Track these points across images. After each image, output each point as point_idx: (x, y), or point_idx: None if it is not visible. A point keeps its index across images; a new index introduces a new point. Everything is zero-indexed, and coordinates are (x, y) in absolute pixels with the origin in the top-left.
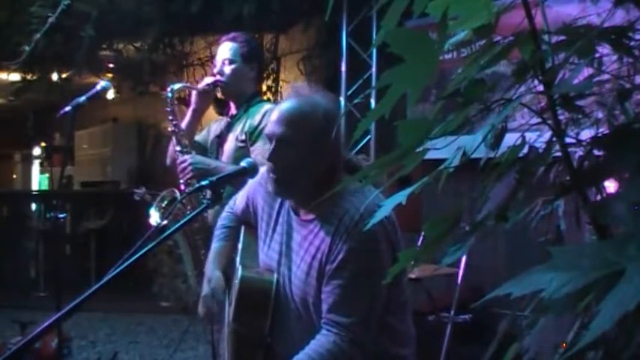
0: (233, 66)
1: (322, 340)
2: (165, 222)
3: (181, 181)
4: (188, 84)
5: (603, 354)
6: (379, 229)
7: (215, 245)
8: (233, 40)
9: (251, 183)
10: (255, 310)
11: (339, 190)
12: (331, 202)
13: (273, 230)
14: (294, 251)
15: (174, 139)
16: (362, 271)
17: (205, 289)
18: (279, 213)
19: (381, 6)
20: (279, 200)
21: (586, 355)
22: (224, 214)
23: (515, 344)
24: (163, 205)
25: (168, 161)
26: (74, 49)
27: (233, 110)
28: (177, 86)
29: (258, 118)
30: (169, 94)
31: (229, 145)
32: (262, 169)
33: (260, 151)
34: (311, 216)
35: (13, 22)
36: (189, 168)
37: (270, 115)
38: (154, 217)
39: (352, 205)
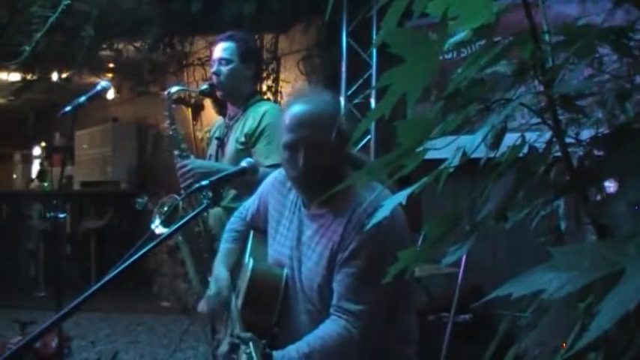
0: (230, 66)
1: (332, 325)
2: (166, 230)
3: (182, 185)
4: (185, 87)
5: (604, 355)
6: (392, 222)
7: (223, 246)
8: (230, 39)
9: (262, 187)
10: (264, 300)
11: (349, 184)
12: (343, 196)
13: (284, 227)
14: (305, 244)
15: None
16: (373, 261)
17: (212, 288)
18: (290, 210)
19: (381, 6)
20: (290, 198)
21: (587, 356)
22: (233, 218)
23: (516, 345)
24: (163, 211)
25: None
26: (74, 49)
27: (231, 111)
28: (174, 89)
29: (257, 119)
30: (166, 99)
31: (230, 147)
32: (265, 170)
33: (263, 152)
34: (322, 210)
35: (13, 22)
36: (191, 173)
37: (270, 115)
38: (157, 225)
39: (364, 198)
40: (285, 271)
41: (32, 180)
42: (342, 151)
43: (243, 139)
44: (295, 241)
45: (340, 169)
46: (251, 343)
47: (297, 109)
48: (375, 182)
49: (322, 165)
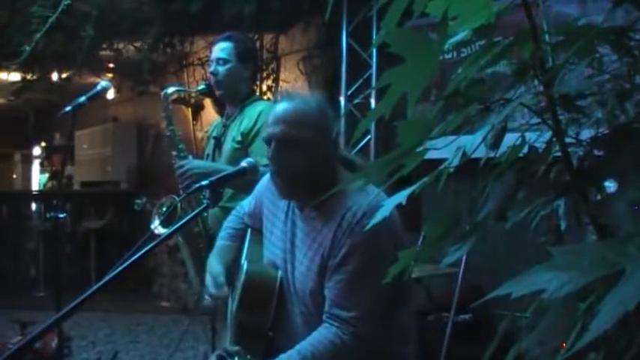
0: (227, 66)
1: (324, 332)
2: (166, 230)
3: (180, 186)
4: (182, 87)
5: (604, 355)
6: (382, 225)
7: (219, 243)
8: (228, 39)
9: (258, 187)
10: (258, 303)
11: (341, 187)
12: (334, 200)
13: (278, 228)
14: (297, 247)
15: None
16: (364, 267)
17: (209, 283)
18: (284, 212)
19: (381, 6)
20: (285, 200)
21: (587, 356)
22: (230, 217)
23: (516, 345)
24: (162, 211)
25: None
26: (74, 49)
27: (229, 110)
28: (170, 90)
29: (254, 118)
30: (163, 100)
31: (226, 146)
32: (264, 170)
33: (259, 152)
34: (314, 213)
35: (13, 22)
36: (189, 173)
37: (265, 115)
38: (156, 226)
39: (355, 202)
40: (280, 272)
41: (47, 181)
42: (325, 152)
43: (239, 138)
44: (289, 243)
45: (331, 171)
46: (237, 358)
47: (280, 106)
48: (370, 186)
49: (295, 164)
